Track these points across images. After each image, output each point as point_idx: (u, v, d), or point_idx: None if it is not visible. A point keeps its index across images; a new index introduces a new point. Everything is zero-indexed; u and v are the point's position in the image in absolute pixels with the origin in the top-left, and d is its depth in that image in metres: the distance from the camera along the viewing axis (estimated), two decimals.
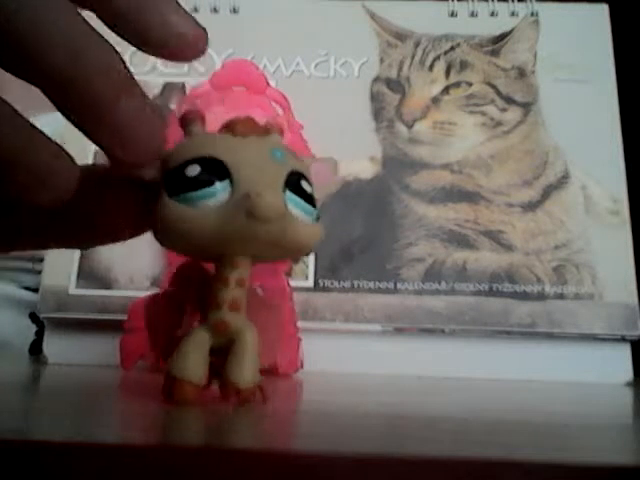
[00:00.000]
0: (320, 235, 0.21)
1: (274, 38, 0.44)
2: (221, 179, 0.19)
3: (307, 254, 0.22)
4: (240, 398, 0.19)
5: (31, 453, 0.13)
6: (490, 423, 0.20)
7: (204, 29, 0.19)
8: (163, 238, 0.20)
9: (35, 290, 0.45)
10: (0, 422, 0.16)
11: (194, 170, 0.19)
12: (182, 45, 0.19)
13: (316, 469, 0.13)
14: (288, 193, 0.19)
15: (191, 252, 0.21)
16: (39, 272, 0.40)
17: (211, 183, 0.19)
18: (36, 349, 0.40)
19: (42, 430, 0.16)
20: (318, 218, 0.21)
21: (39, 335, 0.40)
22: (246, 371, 0.20)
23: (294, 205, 0.19)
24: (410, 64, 0.43)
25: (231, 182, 0.19)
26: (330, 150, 0.39)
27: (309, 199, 0.20)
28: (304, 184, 0.20)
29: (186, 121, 0.21)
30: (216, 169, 0.19)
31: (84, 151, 0.40)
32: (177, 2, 0.19)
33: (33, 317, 0.41)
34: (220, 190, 0.19)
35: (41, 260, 0.40)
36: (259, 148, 0.20)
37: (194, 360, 0.20)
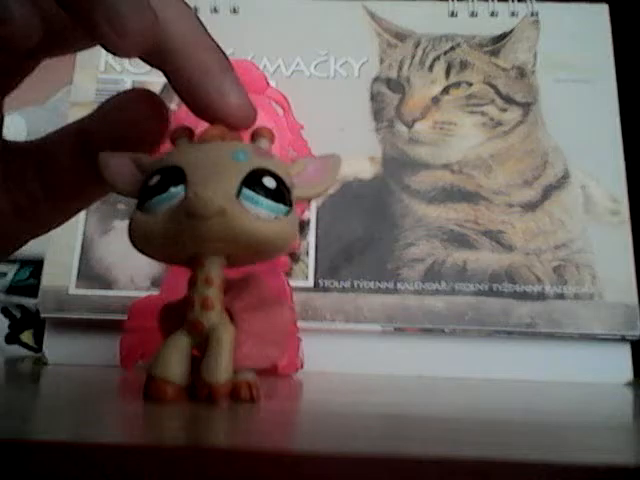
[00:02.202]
0: (286, 231, 0.20)
1: (274, 38, 0.44)
2: (176, 184, 0.20)
3: (279, 252, 0.22)
4: (212, 395, 0.20)
5: (31, 453, 0.13)
6: (490, 423, 0.20)
7: (254, 109, 0.21)
8: (134, 244, 0.21)
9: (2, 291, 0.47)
10: (0, 422, 0.16)
11: (155, 180, 0.20)
12: (231, 118, 0.21)
13: (316, 469, 0.13)
14: (245, 190, 0.20)
15: (158, 255, 0.22)
16: (4, 274, 0.45)
17: (166, 189, 0.20)
18: (11, 339, 0.44)
19: (42, 430, 0.16)
20: (288, 213, 0.20)
21: (11, 328, 0.44)
22: (217, 369, 0.20)
23: (251, 202, 0.20)
24: (410, 64, 0.43)
25: (186, 186, 0.20)
26: (330, 150, 0.39)
27: (275, 195, 0.20)
28: (267, 181, 0.20)
29: (174, 136, 0.22)
30: (174, 176, 0.20)
31: None
32: (235, 76, 0.21)
33: (4, 312, 0.45)
34: (174, 194, 0.20)
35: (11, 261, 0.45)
36: (220, 151, 0.21)
37: (172, 360, 0.21)
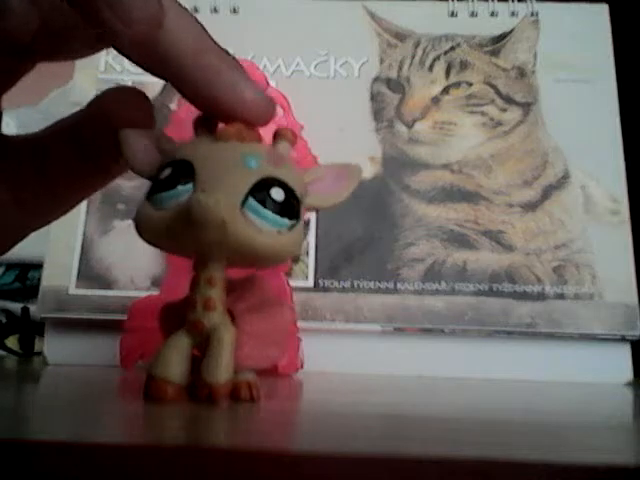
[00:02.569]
0: (287, 246, 0.20)
1: (274, 38, 0.44)
2: (185, 182, 0.20)
3: (278, 264, 0.22)
4: (212, 395, 0.20)
5: (31, 453, 0.13)
6: (490, 423, 0.20)
7: (273, 103, 0.21)
8: (140, 235, 0.21)
9: None
10: (0, 422, 0.16)
11: (166, 173, 0.20)
12: (249, 114, 0.20)
13: (316, 469, 0.13)
14: (251, 200, 0.19)
15: (164, 248, 0.22)
16: None
17: (174, 186, 0.20)
18: None
19: (42, 430, 0.16)
20: (292, 227, 0.20)
21: None
22: (218, 369, 0.20)
23: (255, 213, 0.19)
24: (410, 64, 0.43)
25: (194, 184, 0.19)
26: (330, 150, 0.40)
27: (282, 208, 0.20)
28: (275, 192, 0.20)
29: (197, 123, 0.21)
30: (184, 172, 0.20)
31: None
32: (245, 73, 0.20)
33: None
34: (182, 192, 0.19)
35: None
36: (233, 153, 0.20)
37: (173, 360, 0.20)
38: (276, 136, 0.22)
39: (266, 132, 0.22)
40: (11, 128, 0.46)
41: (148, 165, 0.21)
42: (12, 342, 0.44)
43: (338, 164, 0.22)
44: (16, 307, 0.44)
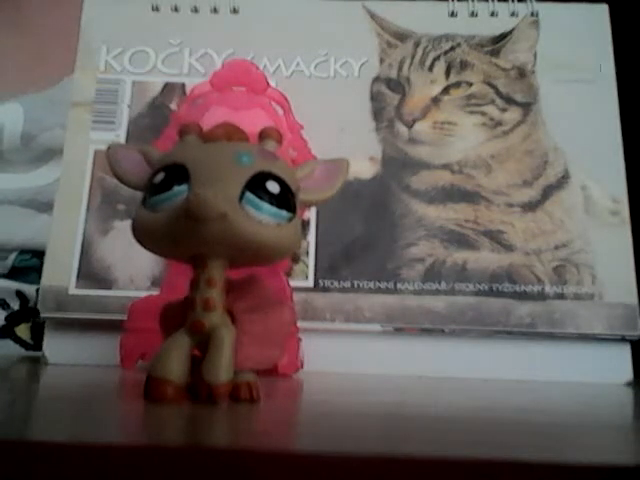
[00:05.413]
0: (287, 238, 0.20)
1: (274, 38, 0.44)
2: (180, 183, 0.20)
3: (279, 258, 0.22)
4: (212, 395, 0.20)
5: (31, 453, 0.13)
6: (490, 423, 0.20)
7: None
8: (138, 240, 0.21)
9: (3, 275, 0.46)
10: (0, 422, 0.16)
11: (159, 177, 0.20)
12: None
13: (316, 469, 0.13)
14: (248, 194, 0.20)
15: (163, 252, 0.22)
16: (4, 258, 0.43)
17: (170, 187, 0.20)
18: (5, 333, 0.43)
19: (42, 430, 0.16)
20: (291, 219, 0.20)
21: (7, 319, 0.43)
22: (218, 369, 0.20)
23: (253, 207, 0.20)
24: (410, 64, 0.43)
25: (189, 185, 0.20)
26: (330, 150, 0.39)
27: (279, 201, 0.20)
28: (270, 185, 0.20)
29: (182, 131, 0.22)
30: (178, 174, 0.20)
31: (85, 150, 0.40)
32: None
33: (1, 304, 0.44)
34: (178, 193, 0.20)
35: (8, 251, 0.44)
36: (225, 152, 0.21)
37: (173, 360, 0.21)
38: (262, 135, 0.22)
39: (251, 131, 0.22)
40: (19, 113, 0.46)
41: (139, 178, 0.21)
42: (23, 331, 0.44)
43: (327, 160, 0.23)
44: (31, 289, 0.44)
